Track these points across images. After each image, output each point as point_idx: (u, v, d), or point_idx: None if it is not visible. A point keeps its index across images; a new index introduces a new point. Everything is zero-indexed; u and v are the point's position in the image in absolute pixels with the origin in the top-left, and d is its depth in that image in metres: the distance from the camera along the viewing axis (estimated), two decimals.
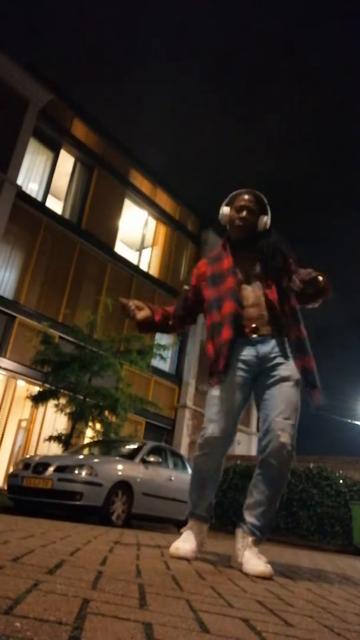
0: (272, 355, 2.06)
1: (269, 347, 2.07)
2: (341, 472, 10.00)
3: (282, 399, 1.99)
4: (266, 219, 2.25)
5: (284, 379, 2.02)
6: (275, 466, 1.95)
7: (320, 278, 2.03)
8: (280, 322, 2.08)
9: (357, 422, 23.49)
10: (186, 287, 2.38)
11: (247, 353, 2.08)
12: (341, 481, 9.72)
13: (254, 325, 2.09)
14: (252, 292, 2.15)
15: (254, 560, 1.88)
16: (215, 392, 2.08)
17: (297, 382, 2.03)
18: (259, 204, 2.27)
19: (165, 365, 14.99)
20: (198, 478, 2.14)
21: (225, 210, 2.29)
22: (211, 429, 2.03)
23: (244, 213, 2.22)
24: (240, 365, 2.07)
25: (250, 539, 1.99)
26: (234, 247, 2.28)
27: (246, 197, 2.25)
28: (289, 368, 2.04)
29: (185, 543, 2.01)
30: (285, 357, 2.06)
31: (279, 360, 2.05)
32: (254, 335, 2.09)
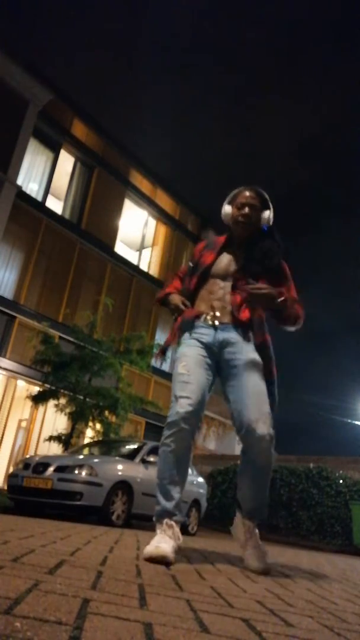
0: (233, 340, 2.04)
1: (229, 333, 2.06)
2: (341, 472, 10.00)
3: (251, 388, 1.94)
4: (269, 214, 2.23)
5: (249, 364, 1.99)
6: (258, 454, 1.90)
7: (270, 294, 1.96)
8: (242, 323, 2.07)
9: (357, 422, 23.48)
10: (190, 264, 2.37)
11: (208, 336, 2.07)
12: (341, 481, 9.72)
13: (216, 314, 2.10)
14: (221, 288, 2.15)
15: (254, 558, 1.91)
16: (179, 370, 2.02)
17: (260, 366, 2.02)
18: (261, 200, 2.24)
19: (165, 365, 14.99)
20: (166, 464, 1.91)
21: (227, 208, 2.27)
22: (179, 407, 1.90)
23: (247, 210, 2.19)
24: (201, 346, 2.06)
25: (249, 523, 2.00)
26: (233, 241, 2.27)
27: (247, 193, 2.23)
28: (251, 353, 2.02)
29: (162, 543, 1.74)
30: (248, 342, 2.05)
31: (241, 346, 2.03)
32: (216, 322, 2.09)
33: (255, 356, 2.02)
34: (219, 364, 2.07)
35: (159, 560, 1.64)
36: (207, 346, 2.06)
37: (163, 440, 1.93)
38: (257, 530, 1.99)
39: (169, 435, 1.90)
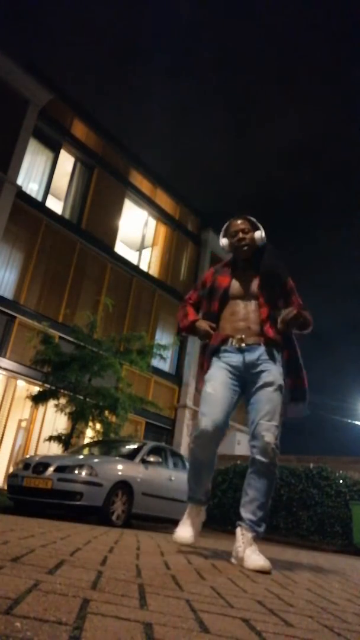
0: (259, 362, 2.26)
1: (256, 354, 2.27)
2: (341, 472, 10.00)
3: (266, 403, 2.20)
4: (260, 233, 2.47)
5: (268, 384, 2.22)
6: (264, 463, 2.15)
7: (297, 314, 2.23)
8: (270, 338, 2.28)
9: (357, 422, 23.48)
10: (200, 290, 2.62)
11: (235, 360, 2.30)
12: (341, 481, 9.72)
13: (240, 336, 2.31)
14: (243, 308, 2.38)
15: (254, 556, 2.03)
16: (207, 389, 2.28)
17: (280, 387, 2.24)
18: (250, 223, 2.50)
19: (165, 365, 14.99)
20: (194, 466, 2.33)
21: (223, 241, 2.55)
22: (204, 422, 2.20)
23: (240, 235, 2.45)
24: (229, 368, 2.30)
25: (250, 534, 2.12)
26: (238, 265, 2.52)
27: (237, 222, 2.50)
28: (272, 374, 2.24)
29: (184, 530, 2.27)
30: (273, 362, 2.27)
31: (265, 366, 2.25)
32: (242, 345, 2.30)
33: (277, 377, 2.25)
34: (245, 383, 2.31)
35: (181, 544, 2.25)
36: (234, 368, 2.30)
37: (191, 446, 2.32)
38: (256, 545, 2.12)
39: (195, 446, 2.27)
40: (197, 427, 2.23)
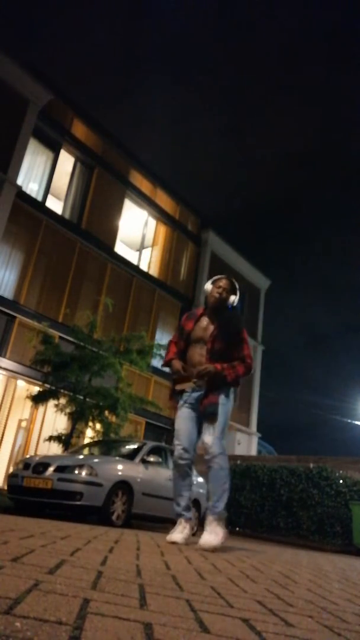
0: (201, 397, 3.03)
1: (201, 392, 3.03)
2: (341, 472, 9.99)
3: (208, 428, 2.98)
4: (234, 298, 3.17)
5: (207, 413, 3.00)
6: (211, 467, 2.90)
7: (206, 372, 2.94)
8: (213, 380, 2.97)
9: (357, 422, 23.47)
10: (179, 330, 3.27)
11: (191, 397, 3.08)
12: (341, 481, 9.71)
13: (194, 381, 3.01)
14: (198, 353, 3.07)
15: (206, 536, 2.74)
16: (175, 426, 3.10)
17: (215, 413, 2.96)
18: (232, 287, 3.18)
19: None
20: (175, 488, 3.09)
21: (208, 286, 3.22)
22: (177, 452, 3.02)
23: (220, 290, 3.14)
24: (188, 405, 3.08)
25: (210, 517, 2.85)
26: (206, 313, 3.18)
27: (223, 281, 3.18)
28: (212, 402, 2.99)
29: (176, 533, 2.91)
30: (214, 394, 3.01)
31: (207, 399, 3.00)
32: (195, 388, 3.04)
33: (215, 408, 2.96)
34: (199, 412, 3.06)
35: (171, 543, 2.77)
36: (192, 404, 3.08)
37: (173, 467, 3.12)
38: (214, 522, 2.83)
39: (174, 467, 3.09)
40: (174, 454, 3.07)
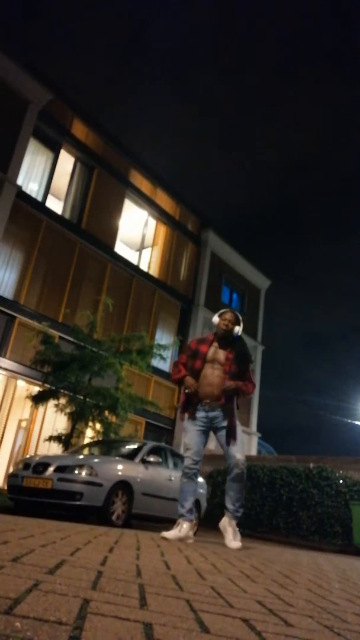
0: (218, 419, 3.56)
1: (216, 413, 3.56)
2: (341, 472, 9.99)
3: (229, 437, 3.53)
4: (238, 329, 3.71)
5: (224, 428, 3.56)
6: (239, 473, 3.45)
7: (230, 388, 3.51)
8: (222, 407, 3.54)
9: (357, 422, 23.47)
10: (188, 352, 3.79)
11: (201, 416, 3.59)
12: (341, 481, 9.71)
13: (207, 401, 3.55)
14: (211, 374, 3.58)
15: (233, 540, 3.34)
16: (185, 440, 3.62)
17: (231, 427, 3.53)
18: (236, 319, 3.74)
19: (165, 365, 14.96)
20: (182, 493, 3.52)
21: (215, 319, 3.77)
22: (187, 462, 3.54)
23: (226, 322, 3.70)
24: (198, 421, 3.58)
25: (233, 522, 3.44)
26: (217, 340, 3.73)
27: (229, 315, 3.74)
28: (225, 421, 3.56)
29: (171, 531, 3.29)
30: (225, 418, 3.55)
31: (222, 421, 3.55)
32: (207, 408, 3.57)
33: (235, 430, 3.51)
34: (211, 428, 3.61)
35: (162, 538, 3.13)
36: (204, 422, 3.58)
37: (182, 475, 3.59)
38: (234, 522, 3.45)
39: (183, 474, 3.56)
40: (184, 463, 3.59)
